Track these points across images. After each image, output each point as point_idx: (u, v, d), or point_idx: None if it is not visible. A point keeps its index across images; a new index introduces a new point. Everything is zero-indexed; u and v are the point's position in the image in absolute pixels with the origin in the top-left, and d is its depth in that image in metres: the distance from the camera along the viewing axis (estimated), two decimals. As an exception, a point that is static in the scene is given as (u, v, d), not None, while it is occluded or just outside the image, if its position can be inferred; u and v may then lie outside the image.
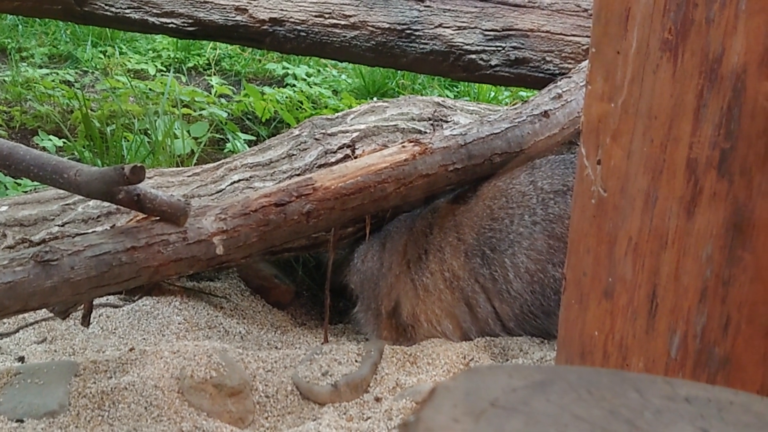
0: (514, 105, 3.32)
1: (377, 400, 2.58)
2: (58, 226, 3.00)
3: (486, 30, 3.82)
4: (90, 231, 2.90)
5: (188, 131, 4.46)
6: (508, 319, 2.92)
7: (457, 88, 5.78)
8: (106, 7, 4.09)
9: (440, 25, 3.86)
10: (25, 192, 3.79)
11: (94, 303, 2.65)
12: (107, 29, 5.87)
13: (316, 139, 3.16)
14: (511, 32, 3.79)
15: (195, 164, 3.93)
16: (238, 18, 4.00)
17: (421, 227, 3.07)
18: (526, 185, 2.97)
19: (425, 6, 3.92)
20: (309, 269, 3.64)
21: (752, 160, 1.57)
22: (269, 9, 3.98)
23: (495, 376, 0.95)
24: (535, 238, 2.88)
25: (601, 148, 1.80)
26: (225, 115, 4.87)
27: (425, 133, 3.16)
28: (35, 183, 3.80)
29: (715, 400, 1.00)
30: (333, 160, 3.07)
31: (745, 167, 1.58)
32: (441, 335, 2.96)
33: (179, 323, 3.01)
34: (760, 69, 1.54)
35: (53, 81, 5.18)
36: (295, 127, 3.32)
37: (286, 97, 5.27)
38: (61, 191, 2.98)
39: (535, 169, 3.00)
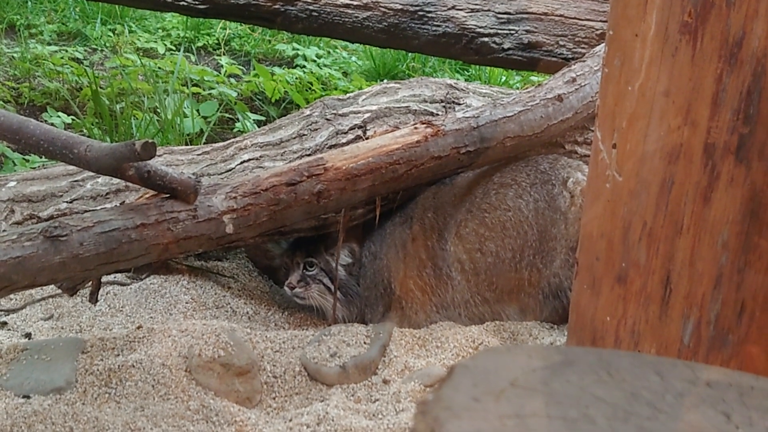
0: (527, 89, 3.29)
1: (385, 382, 2.57)
2: (67, 202, 2.99)
3: (499, 13, 3.79)
4: (99, 208, 2.89)
5: (198, 110, 4.45)
6: (458, 305, 3.00)
7: (468, 71, 5.75)
8: (117, -16, 4.07)
9: (453, 7, 3.84)
10: (34, 168, 3.79)
11: (101, 280, 2.64)
12: (117, 7, 5.84)
13: (328, 119, 3.14)
14: (524, 15, 3.77)
15: (204, 143, 3.92)
16: (250, -3, 3.98)
17: (418, 206, 3.09)
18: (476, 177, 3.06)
19: (438, -12, 3.89)
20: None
21: (771, 145, 1.55)
22: (281, -12, 3.96)
23: (514, 356, 0.94)
24: (471, 228, 2.97)
25: (616, 132, 1.78)
26: (234, 94, 4.85)
27: (437, 115, 3.14)
28: (43, 159, 3.80)
29: (737, 384, 0.98)
30: (344, 140, 3.05)
31: (763, 152, 1.56)
32: (431, 308, 3.00)
33: (187, 302, 3.01)
34: (782, 53, 1.52)
35: (62, 58, 5.16)
36: (306, 107, 3.30)
37: (296, 78, 5.25)
38: (70, 167, 2.97)
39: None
